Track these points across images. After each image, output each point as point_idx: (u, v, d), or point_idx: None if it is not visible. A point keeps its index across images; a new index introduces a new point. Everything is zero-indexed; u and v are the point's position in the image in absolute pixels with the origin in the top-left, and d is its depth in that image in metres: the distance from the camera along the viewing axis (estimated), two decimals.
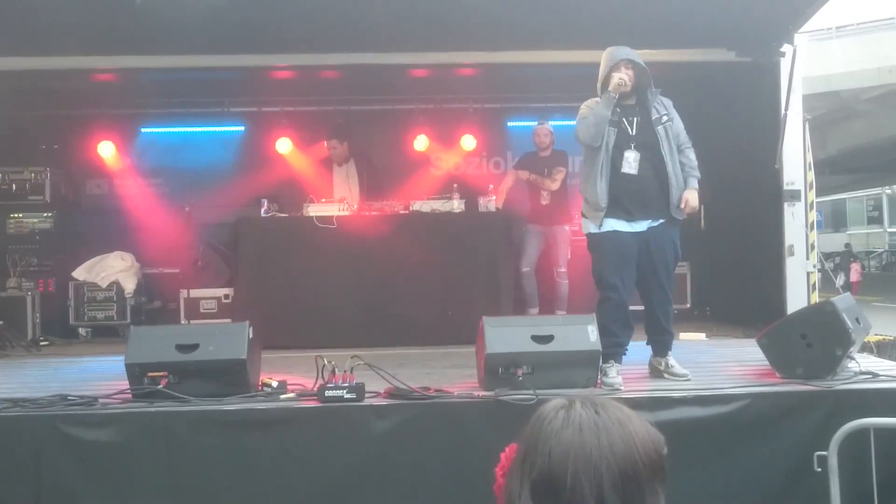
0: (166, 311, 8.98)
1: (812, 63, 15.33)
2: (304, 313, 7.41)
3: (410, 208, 7.96)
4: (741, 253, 8.25)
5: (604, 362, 4.87)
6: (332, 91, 9.19)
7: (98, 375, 5.58)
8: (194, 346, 4.65)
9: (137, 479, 4.27)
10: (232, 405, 4.46)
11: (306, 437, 4.37)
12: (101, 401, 4.53)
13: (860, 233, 44.69)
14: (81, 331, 8.65)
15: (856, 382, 4.80)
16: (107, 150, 9.50)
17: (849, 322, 4.91)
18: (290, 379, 4.96)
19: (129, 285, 8.68)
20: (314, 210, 7.74)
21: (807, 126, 7.46)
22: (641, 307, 5.33)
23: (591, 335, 4.76)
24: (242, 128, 9.92)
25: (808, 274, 7.32)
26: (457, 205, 7.90)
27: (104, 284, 8.63)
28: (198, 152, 9.69)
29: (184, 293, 8.54)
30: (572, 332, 4.82)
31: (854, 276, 27.56)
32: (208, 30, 6.65)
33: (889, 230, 42.79)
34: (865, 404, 4.45)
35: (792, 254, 7.29)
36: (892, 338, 8.30)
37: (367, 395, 4.50)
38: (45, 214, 8.98)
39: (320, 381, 4.55)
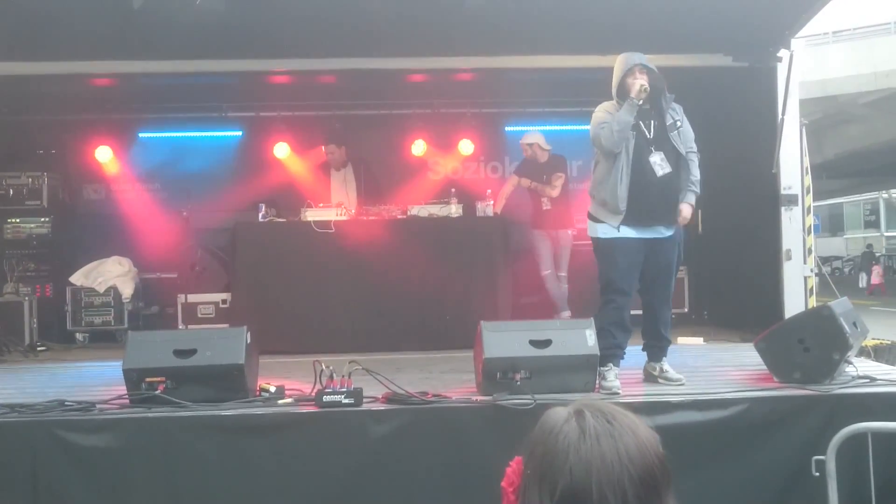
0: (164, 317, 8.97)
1: (809, 68, 15.37)
2: (302, 318, 7.41)
3: (408, 213, 7.97)
4: (739, 257, 8.25)
5: (602, 365, 4.87)
6: (329, 96, 9.19)
7: (95, 381, 5.57)
8: (192, 352, 4.65)
9: (135, 485, 4.27)
10: (230, 410, 4.45)
11: (304, 443, 4.37)
12: (98, 406, 4.52)
13: (857, 237, 44.72)
14: (79, 336, 8.64)
15: (853, 386, 4.80)
16: (104, 155, 9.48)
17: (846, 326, 4.92)
18: (287, 384, 4.96)
19: (127, 290, 8.67)
20: (312, 215, 7.74)
21: (804, 130, 7.47)
22: (638, 312, 5.33)
23: (589, 339, 4.76)
24: (240, 133, 9.92)
25: (805, 278, 7.33)
26: (454, 209, 7.91)
27: (101, 289, 8.62)
28: (195, 157, 9.68)
29: (181, 298, 8.53)
30: (570, 336, 4.82)
31: (875, 279, 27.10)
32: (206, 35, 6.65)
33: (886, 234, 42.84)
34: (863, 408, 4.45)
35: (789, 258, 7.30)
36: (889, 342, 8.30)
37: (365, 400, 4.49)
38: (42, 219, 8.97)
39: (318, 387, 4.55)
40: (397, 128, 9.57)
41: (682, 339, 7.28)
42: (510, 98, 9.63)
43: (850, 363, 5.09)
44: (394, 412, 4.45)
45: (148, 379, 4.54)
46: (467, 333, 5.22)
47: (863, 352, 6.64)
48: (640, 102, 5.00)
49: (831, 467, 4.06)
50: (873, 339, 7.77)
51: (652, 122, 5.11)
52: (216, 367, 4.60)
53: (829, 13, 10.84)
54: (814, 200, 7.75)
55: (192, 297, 8.54)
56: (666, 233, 5.12)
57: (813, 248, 7.49)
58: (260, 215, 7.96)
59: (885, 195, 40.92)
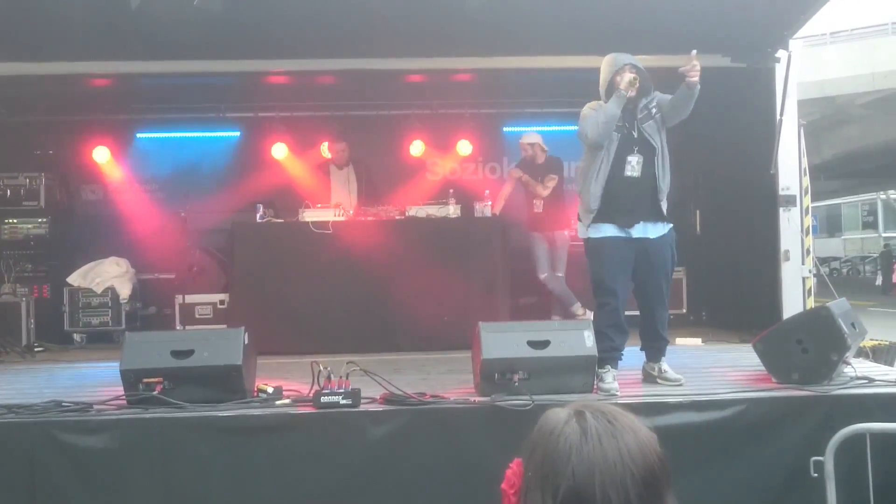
0: (161, 317, 8.97)
1: (807, 68, 15.37)
2: (300, 319, 7.40)
3: (406, 214, 7.97)
4: (737, 258, 8.26)
5: (600, 367, 4.87)
6: (327, 96, 9.19)
7: (93, 381, 5.56)
8: (189, 352, 4.64)
9: (132, 486, 4.26)
10: (227, 411, 4.44)
11: (302, 444, 4.36)
12: (95, 407, 4.51)
13: (855, 238, 44.76)
14: (76, 336, 8.63)
15: (852, 387, 4.80)
16: (102, 156, 9.48)
17: (844, 327, 4.91)
18: (285, 385, 4.95)
19: (125, 291, 8.66)
20: (310, 215, 7.73)
21: (802, 131, 7.47)
22: (635, 312, 5.33)
23: (587, 340, 4.76)
24: (238, 133, 9.92)
25: (803, 279, 7.33)
26: (453, 210, 7.91)
27: (99, 290, 8.61)
28: (193, 158, 9.68)
29: (179, 299, 8.53)
30: (568, 337, 4.81)
31: None
32: (204, 35, 6.64)
33: (884, 235, 42.86)
34: (861, 409, 4.45)
35: (787, 259, 7.30)
36: (887, 342, 8.29)
37: (362, 400, 4.49)
38: (39, 220, 8.96)
39: (316, 387, 4.54)
40: (395, 128, 9.57)
41: (680, 340, 7.28)
42: (508, 99, 9.63)
43: (849, 364, 5.08)
44: (392, 413, 4.45)
45: (145, 380, 4.54)
46: (465, 334, 5.21)
47: (861, 352, 6.64)
48: (627, 94, 4.98)
49: (830, 468, 4.05)
50: (872, 339, 7.77)
51: (636, 121, 5.11)
52: (214, 368, 4.59)
53: (827, 14, 10.85)
54: (812, 201, 7.75)
55: (190, 298, 8.54)
56: (655, 233, 5.11)
57: (811, 249, 7.49)
58: (258, 216, 7.96)
59: (883, 196, 40.96)
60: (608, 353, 4.95)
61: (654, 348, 5.23)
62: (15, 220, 8.91)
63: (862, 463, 4.08)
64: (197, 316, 8.47)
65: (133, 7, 5.80)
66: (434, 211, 7.94)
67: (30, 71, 7.44)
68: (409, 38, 6.92)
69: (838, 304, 5.24)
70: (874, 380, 4.93)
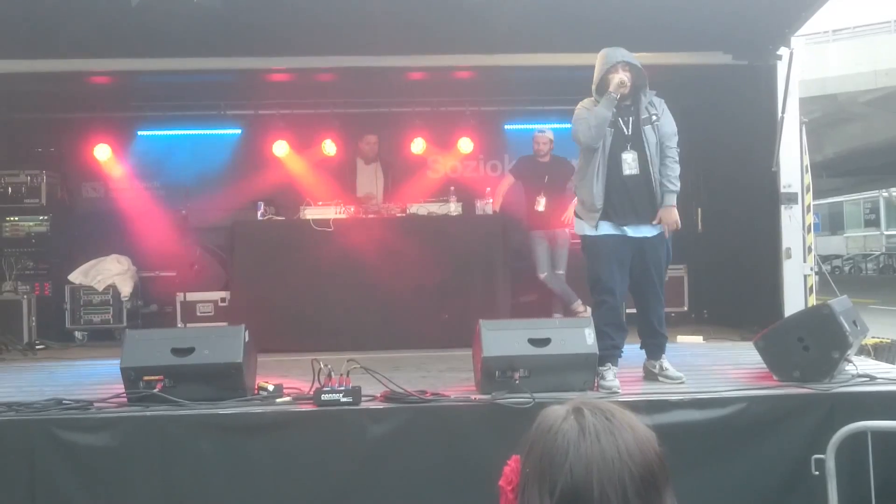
0: (163, 315, 8.96)
1: (808, 66, 15.34)
2: (301, 316, 7.40)
3: (407, 211, 7.96)
4: (738, 256, 8.25)
5: (600, 365, 4.87)
6: (328, 94, 9.18)
7: (93, 379, 5.56)
8: (190, 350, 4.64)
9: (132, 484, 4.26)
10: (228, 409, 4.44)
11: (302, 441, 4.35)
12: (96, 405, 4.51)
13: (857, 235, 44.71)
14: (77, 334, 8.63)
15: (853, 385, 4.79)
16: (103, 153, 9.48)
17: (846, 325, 4.90)
18: (286, 382, 4.95)
19: (126, 289, 8.66)
20: (311, 213, 7.73)
21: (804, 129, 7.46)
22: (633, 310, 5.33)
23: (588, 338, 4.75)
24: (239, 131, 9.91)
25: (805, 276, 7.32)
26: (454, 208, 7.90)
27: (100, 288, 8.61)
28: (194, 155, 9.67)
29: (180, 296, 8.53)
30: (569, 335, 4.80)
31: None
32: (204, 32, 6.64)
33: (886, 233, 42.80)
34: (863, 407, 4.44)
35: (789, 256, 7.29)
36: (889, 340, 8.28)
37: (363, 398, 4.48)
38: (40, 217, 8.96)
39: (316, 385, 4.54)
40: (397, 126, 9.56)
41: (681, 338, 7.28)
42: (510, 96, 9.62)
43: (850, 362, 5.08)
44: (392, 411, 4.44)
45: (146, 377, 4.54)
46: (466, 332, 5.20)
47: (863, 350, 6.63)
48: (618, 97, 4.98)
49: (831, 466, 4.05)
50: (873, 337, 7.76)
51: (630, 118, 5.10)
52: (214, 366, 4.59)
53: (829, 11, 10.82)
54: (814, 199, 7.75)
55: (191, 296, 8.54)
56: (652, 231, 5.11)
57: (813, 247, 7.49)
58: (259, 213, 7.96)
59: (886, 194, 40.90)
60: (608, 351, 4.94)
61: (654, 345, 5.23)
62: (16, 218, 8.91)
63: (863, 461, 4.08)
64: (198, 314, 8.46)
65: (133, 4, 5.79)
66: (435, 209, 7.93)
67: (31, 68, 7.44)
68: (410, 36, 6.92)
69: (840, 302, 5.24)
70: (875, 378, 4.93)
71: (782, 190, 7.30)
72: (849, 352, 4.97)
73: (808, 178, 7.47)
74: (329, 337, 7.05)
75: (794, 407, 4.58)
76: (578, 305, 7.94)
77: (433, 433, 4.42)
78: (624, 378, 5.02)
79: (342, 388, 4.44)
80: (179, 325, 8.23)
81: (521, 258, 8.41)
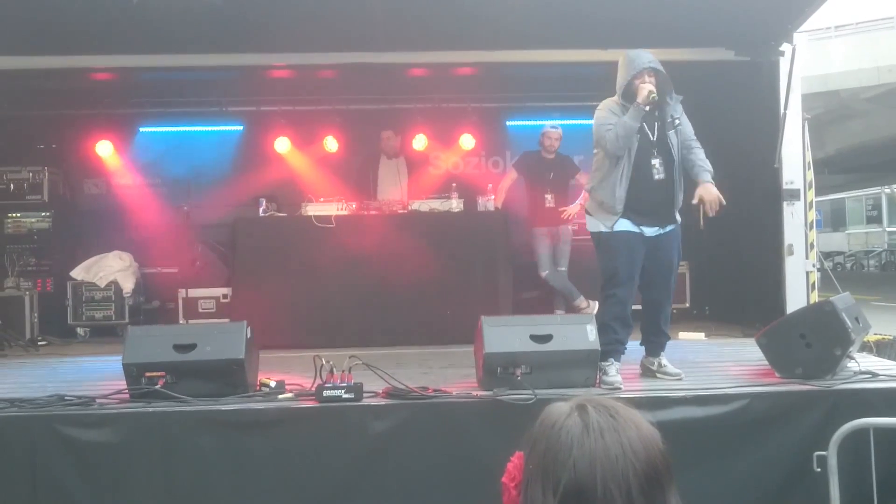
0: (165, 311, 8.98)
1: (811, 62, 15.31)
2: (303, 313, 7.40)
3: (409, 208, 7.96)
4: (740, 252, 8.24)
5: (603, 360, 4.86)
6: (330, 90, 9.17)
7: (96, 375, 5.57)
8: (192, 346, 4.64)
9: (134, 480, 4.26)
10: (230, 405, 4.45)
11: (304, 438, 4.36)
12: (98, 401, 4.51)
13: (859, 232, 44.70)
14: (79, 330, 8.64)
15: (855, 382, 4.79)
16: (105, 150, 9.48)
17: (848, 321, 4.90)
18: (288, 379, 4.95)
19: (128, 285, 8.67)
20: (312, 209, 7.73)
21: (806, 125, 7.45)
22: (637, 307, 5.32)
23: (589, 335, 4.74)
24: (240, 127, 9.91)
25: (807, 273, 7.32)
26: (455, 204, 7.89)
27: (102, 284, 8.62)
28: (196, 152, 9.67)
29: (182, 293, 8.54)
30: (571, 331, 4.80)
31: None
32: (206, 29, 6.63)
33: (888, 229, 42.77)
34: (865, 404, 4.44)
35: (791, 253, 7.28)
36: (891, 337, 8.26)
37: (365, 394, 4.48)
38: (42, 214, 8.98)
39: (318, 381, 4.54)
40: (398, 122, 9.54)
41: (683, 334, 7.27)
42: (511, 93, 9.61)
43: (852, 358, 5.07)
44: (394, 407, 4.44)
45: (148, 374, 4.54)
46: (468, 328, 5.20)
47: (865, 347, 6.63)
48: (647, 109, 4.94)
49: (833, 463, 4.05)
50: (875, 334, 7.75)
51: (655, 123, 5.07)
52: (216, 362, 4.59)
53: (832, 8, 10.80)
54: (816, 195, 7.73)
55: (193, 292, 8.55)
56: (665, 230, 5.11)
57: (815, 244, 7.48)
58: (260, 210, 7.96)
59: (888, 190, 40.88)
60: (612, 346, 4.93)
61: (655, 343, 5.23)
62: (18, 214, 8.93)
63: (865, 458, 4.08)
64: (200, 310, 8.48)
65: (134, 1, 5.79)
66: (437, 205, 7.93)
67: (32, 65, 7.44)
68: (412, 32, 6.91)
69: (842, 299, 5.23)
70: (878, 374, 4.92)
71: (784, 186, 7.29)
72: (851, 348, 4.97)
73: (811, 175, 7.47)
74: (331, 333, 7.06)
75: (796, 404, 4.58)
76: (581, 302, 7.94)
77: (434, 429, 4.42)
78: (622, 374, 5.01)
79: (344, 385, 4.44)
80: (181, 322, 8.24)
81: (522, 254, 8.40)
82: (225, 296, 8.45)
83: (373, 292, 7.45)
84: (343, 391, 4.42)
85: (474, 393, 4.63)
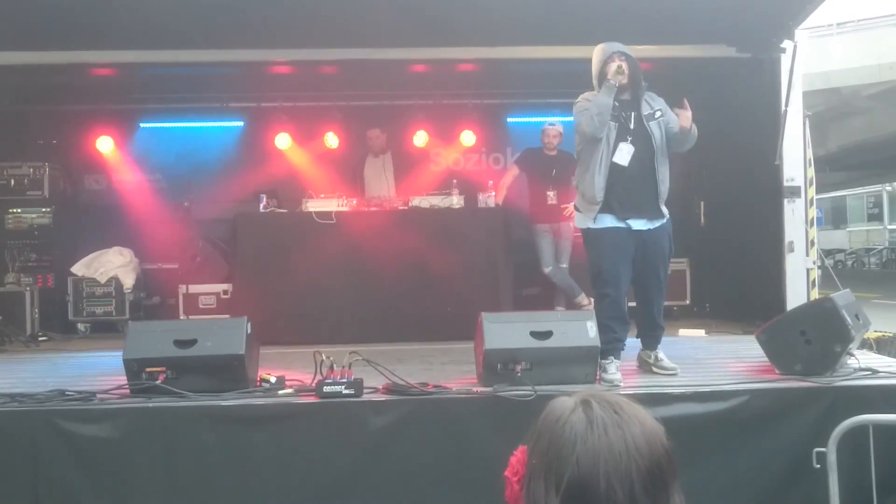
0: (165, 307, 8.99)
1: (812, 60, 15.31)
2: (303, 309, 7.41)
3: (410, 204, 7.96)
4: (741, 249, 8.24)
5: (603, 358, 4.87)
6: (330, 86, 9.17)
7: (96, 371, 5.57)
8: (192, 342, 4.64)
9: (135, 475, 4.26)
10: (230, 401, 4.45)
11: (304, 433, 4.36)
12: (98, 396, 4.52)
13: (860, 230, 44.72)
14: (80, 326, 8.65)
15: (855, 379, 4.79)
16: (105, 146, 9.48)
17: (848, 318, 4.90)
18: (288, 374, 4.95)
19: (128, 281, 8.68)
20: (313, 205, 7.73)
21: (807, 122, 7.44)
22: (632, 303, 5.33)
23: (590, 331, 4.75)
24: (241, 123, 9.91)
25: (807, 270, 7.31)
26: (456, 200, 7.90)
27: (103, 280, 8.63)
28: (197, 147, 9.67)
29: (182, 289, 8.55)
30: (571, 328, 4.80)
31: None
32: (207, 25, 6.63)
33: (889, 227, 42.79)
34: (864, 401, 4.44)
35: (792, 250, 7.28)
36: (891, 334, 8.27)
37: (365, 390, 4.49)
38: (43, 210, 8.98)
39: (318, 377, 4.54)
40: (399, 118, 9.55)
41: (683, 331, 7.27)
42: (512, 89, 9.60)
43: (852, 355, 5.07)
44: (394, 403, 4.44)
45: (148, 369, 4.54)
46: (468, 324, 5.20)
47: (865, 344, 6.63)
48: (616, 84, 4.98)
49: (832, 459, 4.05)
50: (875, 331, 7.76)
51: (632, 112, 5.10)
52: (216, 358, 4.59)
53: (833, 5, 10.80)
54: (817, 193, 7.73)
55: (194, 288, 8.56)
56: (654, 223, 5.11)
57: (815, 241, 7.48)
58: (261, 206, 7.96)
59: (889, 188, 40.90)
60: (611, 344, 4.94)
61: (652, 337, 5.24)
62: (19, 210, 8.93)
63: (865, 454, 4.08)
64: (200, 306, 8.49)
65: None
66: (437, 202, 7.93)
67: (33, 60, 7.44)
68: (413, 28, 6.91)
69: (842, 296, 5.22)
70: (878, 371, 4.93)
71: (785, 184, 7.29)
72: (851, 345, 4.97)
73: (811, 172, 7.46)
74: (331, 329, 7.06)
75: (795, 400, 4.58)
76: (583, 299, 7.94)
77: (435, 425, 4.42)
78: (621, 370, 5.02)
79: (344, 380, 4.44)
80: (182, 318, 8.24)
81: (523, 251, 8.40)
82: (225, 292, 8.46)
83: (373, 288, 7.45)
84: (343, 387, 4.42)
85: (474, 389, 4.63)
